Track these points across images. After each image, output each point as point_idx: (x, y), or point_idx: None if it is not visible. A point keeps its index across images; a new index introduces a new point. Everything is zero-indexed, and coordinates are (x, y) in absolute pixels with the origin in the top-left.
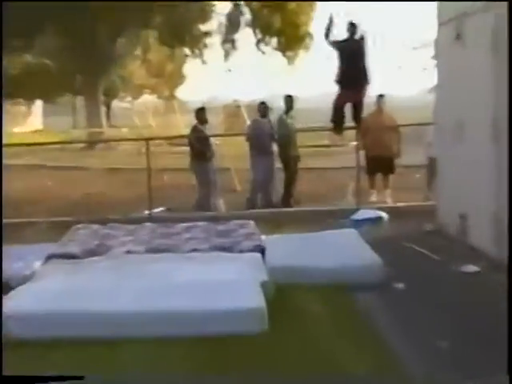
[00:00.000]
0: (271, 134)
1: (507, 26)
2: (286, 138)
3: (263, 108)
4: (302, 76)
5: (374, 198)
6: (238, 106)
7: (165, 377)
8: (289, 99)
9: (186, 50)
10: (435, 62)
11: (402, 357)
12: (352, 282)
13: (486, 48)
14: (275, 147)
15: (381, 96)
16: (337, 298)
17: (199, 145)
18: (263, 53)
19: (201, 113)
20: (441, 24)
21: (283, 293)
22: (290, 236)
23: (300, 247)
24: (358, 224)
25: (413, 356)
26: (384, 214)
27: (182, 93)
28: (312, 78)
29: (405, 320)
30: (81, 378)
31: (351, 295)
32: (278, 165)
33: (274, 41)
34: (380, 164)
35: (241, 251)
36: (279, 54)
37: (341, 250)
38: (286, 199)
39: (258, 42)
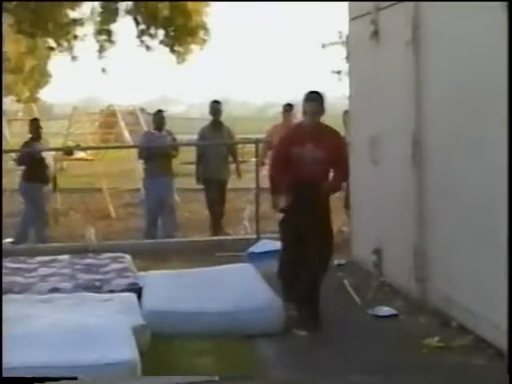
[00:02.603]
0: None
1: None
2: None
3: (159, 118)
4: (196, 77)
5: None
6: (114, 113)
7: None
8: (216, 105)
9: (51, 42)
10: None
11: None
12: (247, 329)
13: (406, 44)
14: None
15: (289, 105)
16: (228, 348)
17: (32, 164)
18: (147, 48)
19: (34, 125)
20: (352, 19)
21: (162, 342)
22: (173, 273)
23: (184, 287)
24: (256, 258)
25: None
26: None
27: (46, 95)
28: (208, 80)
29: (310, 374)
30: (74, 378)
31: (246, 344)
32: None
33: (161, 33)
34: None
35: (111, 291)
36: (167, 49)
37: (234, 290)
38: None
39: (141, 33)
